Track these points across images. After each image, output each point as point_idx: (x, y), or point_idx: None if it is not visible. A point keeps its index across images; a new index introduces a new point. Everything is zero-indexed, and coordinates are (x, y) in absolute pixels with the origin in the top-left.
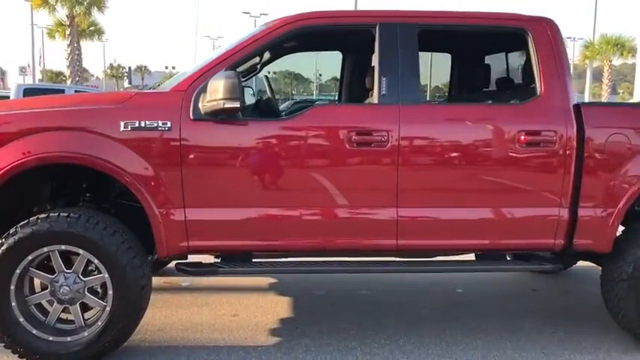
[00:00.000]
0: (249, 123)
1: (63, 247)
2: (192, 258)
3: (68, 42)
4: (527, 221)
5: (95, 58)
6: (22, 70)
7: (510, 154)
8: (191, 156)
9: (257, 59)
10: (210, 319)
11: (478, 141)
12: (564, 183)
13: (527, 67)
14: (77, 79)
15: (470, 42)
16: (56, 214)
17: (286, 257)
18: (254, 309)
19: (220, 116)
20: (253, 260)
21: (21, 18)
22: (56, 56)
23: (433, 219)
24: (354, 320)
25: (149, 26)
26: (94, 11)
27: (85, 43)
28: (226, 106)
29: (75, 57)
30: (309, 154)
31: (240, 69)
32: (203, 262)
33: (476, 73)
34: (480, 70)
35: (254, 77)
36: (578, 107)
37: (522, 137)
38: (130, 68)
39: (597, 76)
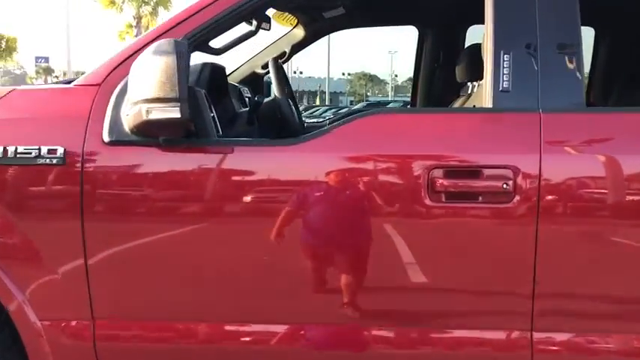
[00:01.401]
0: (235, 150)
1: None
2: None
3: None
4: None
5: None
6: None
7: None
8: (104, 215)
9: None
10: None
11: None
12: None
13: None
14: None
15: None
16: None
17: None
18: None
19: (163, 138)
20: None
21: (104, 22)
22: None
23: (607, 349)
24: None
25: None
26: (162, 12)
27: None
28: (151, 117)
29: None
30: (349, 217)
31: (263, 60)
32: None
33: None
34: None
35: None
36: None
37: None
38: None
39: None
